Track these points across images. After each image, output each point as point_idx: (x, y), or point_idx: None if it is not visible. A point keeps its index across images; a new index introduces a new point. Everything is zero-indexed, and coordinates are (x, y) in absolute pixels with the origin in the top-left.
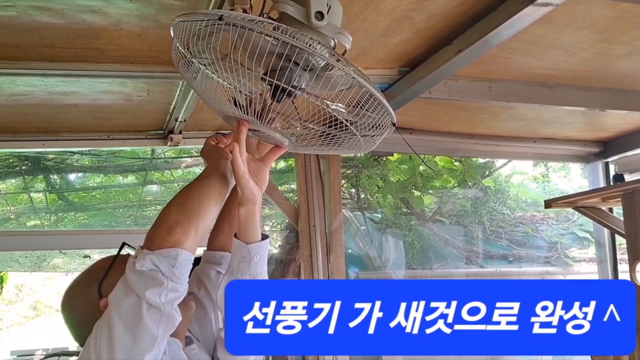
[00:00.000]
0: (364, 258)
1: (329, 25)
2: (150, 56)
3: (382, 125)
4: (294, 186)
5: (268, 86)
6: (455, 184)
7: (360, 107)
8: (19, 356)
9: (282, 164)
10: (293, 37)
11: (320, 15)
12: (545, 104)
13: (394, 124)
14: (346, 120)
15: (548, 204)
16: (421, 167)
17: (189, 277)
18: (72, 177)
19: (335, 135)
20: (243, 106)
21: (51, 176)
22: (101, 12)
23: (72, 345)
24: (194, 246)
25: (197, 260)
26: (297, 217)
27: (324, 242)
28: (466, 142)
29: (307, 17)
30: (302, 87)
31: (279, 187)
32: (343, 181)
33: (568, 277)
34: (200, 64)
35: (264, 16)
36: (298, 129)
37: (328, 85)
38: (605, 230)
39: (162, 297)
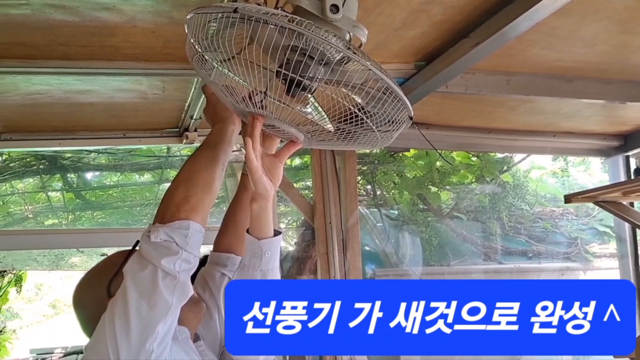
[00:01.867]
0: (380, 255)
1: (345, 18)
2: (164, 53)
3: (399, 120)
4: (309, 183)
5: (282, 80)
6: (473, 180)
7: (382, 93)
8: (38, 354)
9: (297, 161)
10: (308, 30)
11: (335, 8)
12: (565, 97)
13: (410, 118)
14: (362, 112)
15: (568, 198)
16: (438, 163)
17: (195, 279)
18: (89, 175)
19: (352, 130)
20: (257, 102)
21: (68, 175)
22: (115, 10)
23: None
24: (204, 219)
25: (203, 261)
26: (313, 214)
27: (340, 239)
28: (484, 137)
29: (322, 10)
30: (317, 79)
31: (295, 184)
32: (359, 178)
33: (588, 273)
34: (214, 60)
35: (279, 10)
36: (317, 119)
37: (343, 79)
38: (626, 225)
39: (176, 266)
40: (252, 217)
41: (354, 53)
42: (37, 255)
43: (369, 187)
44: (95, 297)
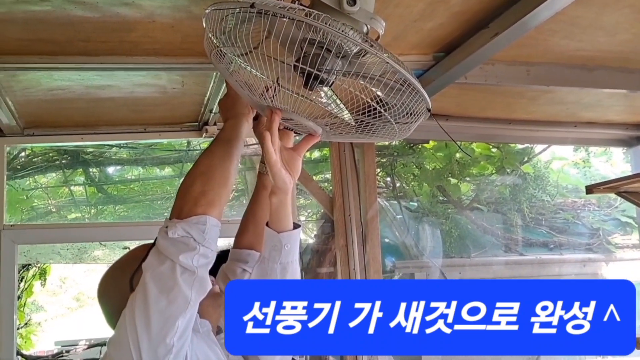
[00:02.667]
0: (400, 247)
1: (362, 10)
2: (183, 48)
3: (417, 112)
4: (328, 176)
5: (300, 74)
6: (493, 171)
7: (400, 85)
8: (63, 346)
9: (316, 154)
10: (325, 23)
11: (352, 0)
12: (586, 87)
13: (429, 110)
14: (380, 104)
15: (589, 189)
16: (458, 154)
17: (217, 274)
18: (110, 170)
19: (370, 123)
20: (273, 95)
21: (90, 169)
22: (134, 5)
23: None
24: (220, 214)
25: (224, 257)
26: (333, 206)
27: (359, 232)
28: (504, 128)
29: (339, 3)
30: (335, 71)
31: (314, 177)
32: (378, 170)
33: (610, 264)
34: (233, 54)
35: (296, 3)
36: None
37: (361, 71)
38: None
39: (194, 261)
40: (272, 210)
41: (371, 46)
42: (61, 249)
43: (388, 179)
44: (119, 290)
